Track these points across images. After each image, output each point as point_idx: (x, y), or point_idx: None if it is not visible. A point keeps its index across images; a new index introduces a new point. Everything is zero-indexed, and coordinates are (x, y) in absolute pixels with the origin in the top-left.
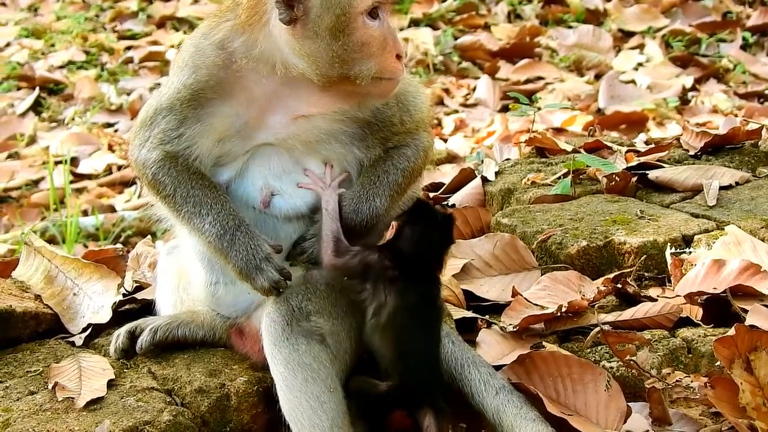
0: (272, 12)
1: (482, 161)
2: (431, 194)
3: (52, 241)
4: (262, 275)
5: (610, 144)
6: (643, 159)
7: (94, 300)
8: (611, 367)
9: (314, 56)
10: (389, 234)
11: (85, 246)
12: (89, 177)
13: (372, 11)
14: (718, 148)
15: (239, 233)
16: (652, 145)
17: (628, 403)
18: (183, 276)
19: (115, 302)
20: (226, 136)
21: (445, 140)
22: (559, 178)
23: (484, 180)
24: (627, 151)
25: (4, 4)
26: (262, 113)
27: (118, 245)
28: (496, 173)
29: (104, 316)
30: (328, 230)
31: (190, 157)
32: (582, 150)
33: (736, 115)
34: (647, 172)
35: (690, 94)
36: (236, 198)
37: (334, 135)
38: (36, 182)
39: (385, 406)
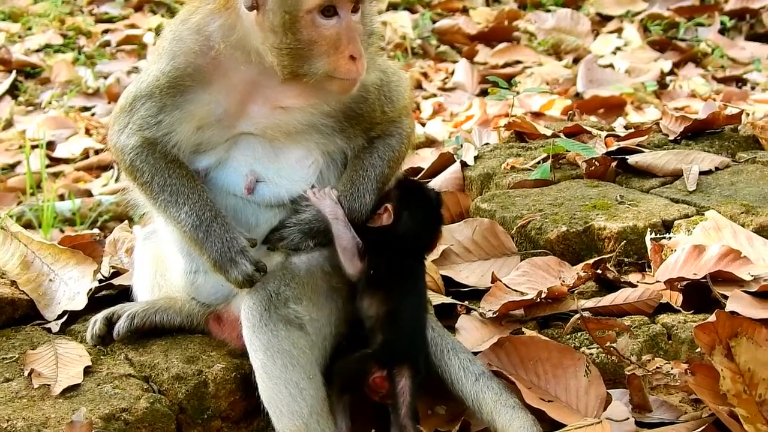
0: None
1: (461, 146)
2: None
3: (28, 225)
4: (236, 268)
5: (589, 129)
6: (622, 144)
7: (70, 286)
8: (591, 354)
9: (272, 48)
10: (386, 219)
11: (62, 231)
12: (66, 161)
13: (326, 9)
14: (697, 132)
15: (215, 225)
16: (632, 130)
17: (608, 390)
18: (161, 262)
19: (91, 288)
20: (206, 123)
21: (424, 124)
22: (538, 162)
23: (463, 165)
24: (606, 136)
25: None
26: (242, 102)
27: (95, 230)
28: (475, 158)
29: (80, 302)
30: (347, 239)
31: (168, 143)
32: (561, 135)
33: (714, 100)
34: (627, 156)
35: (668, 78)
36: (217, 184)
37: (314, 126)
38: (12, 166)
39: (365, 367)
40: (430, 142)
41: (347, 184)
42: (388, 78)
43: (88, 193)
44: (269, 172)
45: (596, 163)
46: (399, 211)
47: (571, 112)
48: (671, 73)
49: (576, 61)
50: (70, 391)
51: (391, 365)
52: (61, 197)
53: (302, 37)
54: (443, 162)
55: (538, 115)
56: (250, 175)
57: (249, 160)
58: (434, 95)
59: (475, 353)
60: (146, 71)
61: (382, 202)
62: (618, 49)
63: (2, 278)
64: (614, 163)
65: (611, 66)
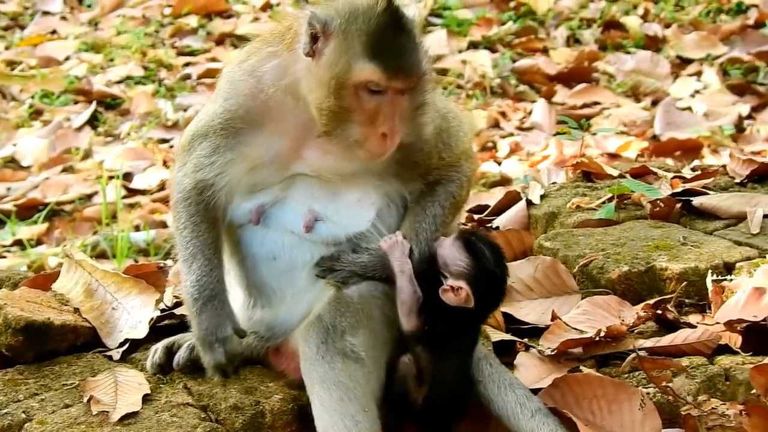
0: (301, 41)
1: (528, 184)
2: (476, 216)
3: (102, 255)
4: (212, 354)
5: (655, 170)
6: (688, 185)
7: (132, 315)
8: (648, 393)
9: (314, 100)
10: (465, 300)
11: (136, 261)
12: (143, 192)
13: (374, 86)
14: (764, 176)
15: (209, 305)
16: (698, 172)
17: (663, 430)
18: None
19: (152, 317)
20: (259, 165)
21: (500, 163)
22: (603, 202)
23: (529, 203)
24: (673, 178)
25: (64, 18)
26: (294, 145)
27: (169, 261)
28: (542, 196)
29: (141, 331)
30: (408, 294)
31: (218, 185)
32: (628, 175)
33: None
34: (692, 198)
35: (746, 122)
36: (275, 221)
37: (369, 170)
38: (89, 196)
39: (404, 416)
40: (505, 181)
41: (411, 234)
42: (448, 124)
43: (164, 225)
44: (328, 212)
45: (661, 204)
46: (476, 295)
47: (639, 153)
48: (749, 117)
49: (654, 103)
50: (128, 418)
51: (428, 427)
52: (137, 228)
53: (343, 103)
54: (510, 200)
55: (614, 156)
56: (309, 213)
57: (307, 199)
58: (511, 134)
59: (534, 390)
60: (204, 110)
61: (451, 264)
62: (697, 92)
63: (65, 305)
64: (679, 205)
65: (689, 109)
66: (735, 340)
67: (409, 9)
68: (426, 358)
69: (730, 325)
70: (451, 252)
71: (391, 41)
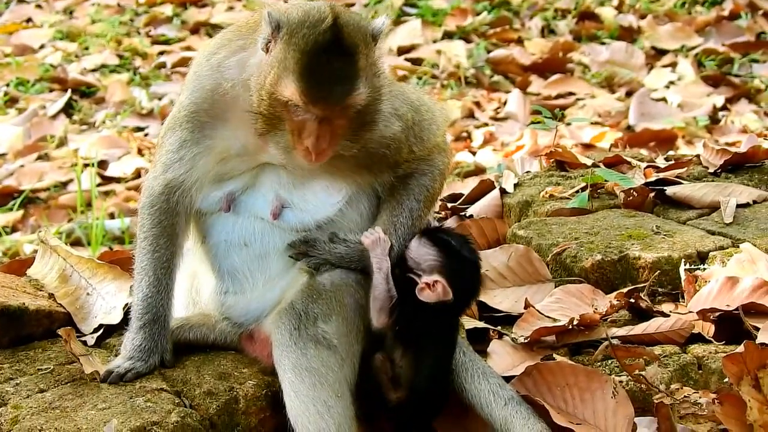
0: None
1: (502, 173)
2: (450, 204)
3: (77, 243)
4: (124, 362)
5: (629, 159)
6: (661, 175)
7: (106, 300)
8: (621, 381)
9: (252, 101)
10: (442, 295)
11: (111, 249)
12: (118, 180)
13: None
14: (737, 166)
15: (149, 327)
16: (672, 162)
17: (636, 418)
18: (196, 279)
19: (127, 303)
20: (226, 157)
21: (474, 153)
22: (577, 191)
23: (503, 192)
24: (646, 167)
25: (39, 6)
26: (260, 137)
27: None
28: (515, 185)
29: (116, 317)
30: (382, 291)
31: (188, 182)
32: (601, 164)
33: (766, 136)
34: (665, 188)
35: (720, 113)
36: (245, 208)
37: (334, 162)
38: (64, 184)
39: (378, 412)
40: (479, 171)
41: (389, 228)
42: (421, 116)
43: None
44: (294, 198)
45: (634, 193)
46: (453, 288)
47: (613, 143)
48: (724, 108)
49: (629, 94)
50: (102, 403)
51: (404, 426)
52: (112, 216)
53: (274, 110)
54: (484, 189)
55: (588, 146)
56: (276, 200)
57: (274, 186)
58: (486, 124)
59: (507, 378)
60: (176, 103)
61: (422, 260)
62: (671, 83)
63: (40, 291)
64: (652, 194)
65: (664, 100)
66: (708, 329)
67: (376, 22)
68: (404, 362)
69: (702, 314)
70: (418, 250)
71: (324, 65)
